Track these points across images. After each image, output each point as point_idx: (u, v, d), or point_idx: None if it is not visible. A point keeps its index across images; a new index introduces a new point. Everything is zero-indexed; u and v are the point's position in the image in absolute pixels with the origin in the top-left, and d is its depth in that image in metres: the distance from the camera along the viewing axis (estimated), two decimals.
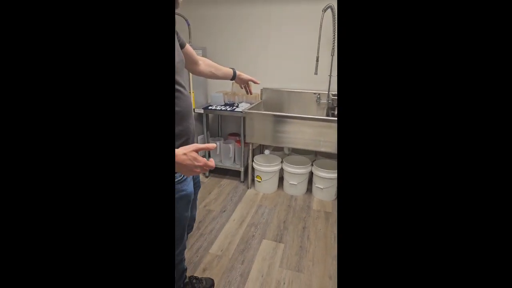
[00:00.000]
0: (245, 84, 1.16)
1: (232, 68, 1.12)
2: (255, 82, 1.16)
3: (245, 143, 1.97)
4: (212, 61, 1.09)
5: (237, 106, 2.05)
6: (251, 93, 1.21)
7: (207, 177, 2.18)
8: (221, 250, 1.39)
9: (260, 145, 2.25)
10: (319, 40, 1.78)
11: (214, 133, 2.42)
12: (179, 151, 0.59)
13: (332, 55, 1.88)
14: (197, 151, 0.61)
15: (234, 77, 1.13)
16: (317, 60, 1.80)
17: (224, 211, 1.74)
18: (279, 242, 1.46)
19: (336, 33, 1.80)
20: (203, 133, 2.12)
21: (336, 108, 1.82)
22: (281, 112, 2.07)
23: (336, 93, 1.92)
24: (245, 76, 1.15)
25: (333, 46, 1.84)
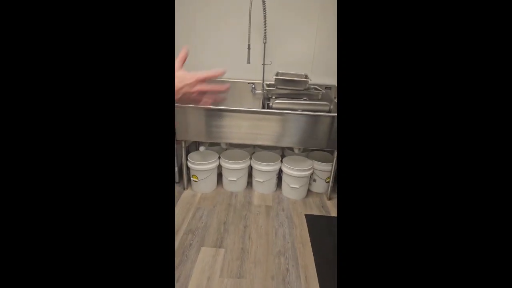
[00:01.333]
0: None
1: None
2: None
3: (177, 140, 1.78)
4: None
5: None
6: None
7: None
8: None
9: (195, 141, 2.08)
10: (249, 27, 1.66)
11: None
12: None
13: (265, 43, 1.79)
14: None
15: None
16: (249, 48, 1.69)
17: None
18: (219, 247, 1.38)
19: (266, 19, 1.70)
20: None
21: (271, 98, 1.76)
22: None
23: (270, 83, 1.86)
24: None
25: (265, 33, 1.75)
